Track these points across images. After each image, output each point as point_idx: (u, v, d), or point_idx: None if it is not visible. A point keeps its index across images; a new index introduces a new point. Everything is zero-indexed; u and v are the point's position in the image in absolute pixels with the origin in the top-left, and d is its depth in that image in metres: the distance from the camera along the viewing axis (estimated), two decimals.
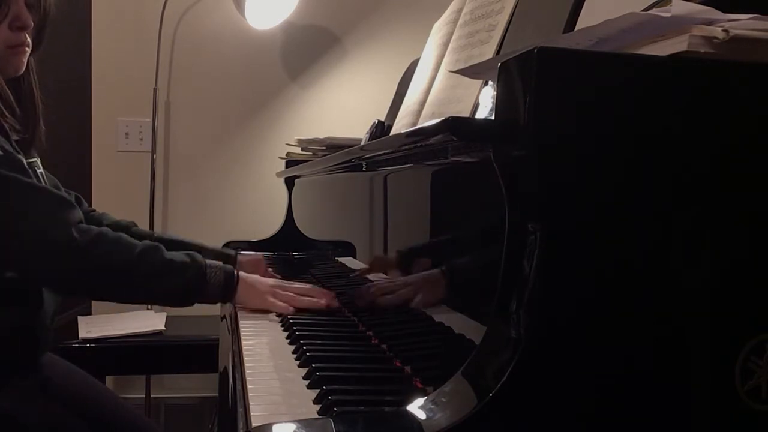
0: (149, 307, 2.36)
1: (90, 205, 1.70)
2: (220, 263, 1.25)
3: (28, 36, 1.25)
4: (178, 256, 1.21)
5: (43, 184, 1.34)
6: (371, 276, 1.19)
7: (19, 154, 1.24)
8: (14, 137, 1.25)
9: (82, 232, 1.14)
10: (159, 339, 2.00)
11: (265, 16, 2.39)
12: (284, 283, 1.32)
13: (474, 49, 1.10)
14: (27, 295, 1.25)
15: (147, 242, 1.20)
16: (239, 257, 1.60)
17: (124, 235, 1.20)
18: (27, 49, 1.26)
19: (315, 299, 1.26)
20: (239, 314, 1.27)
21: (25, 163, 1.23)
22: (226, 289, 1.23)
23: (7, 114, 1.22)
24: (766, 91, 0.62)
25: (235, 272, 1.25)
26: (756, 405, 0.61)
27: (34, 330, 1.28)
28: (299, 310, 1.23)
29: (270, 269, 1.60)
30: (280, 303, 1.25)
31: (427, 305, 0.89)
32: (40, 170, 1.36)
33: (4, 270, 1.20)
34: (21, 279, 1.20)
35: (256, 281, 1.29)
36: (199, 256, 1.23)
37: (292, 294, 1.27)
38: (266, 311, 1.27)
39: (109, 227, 1.56)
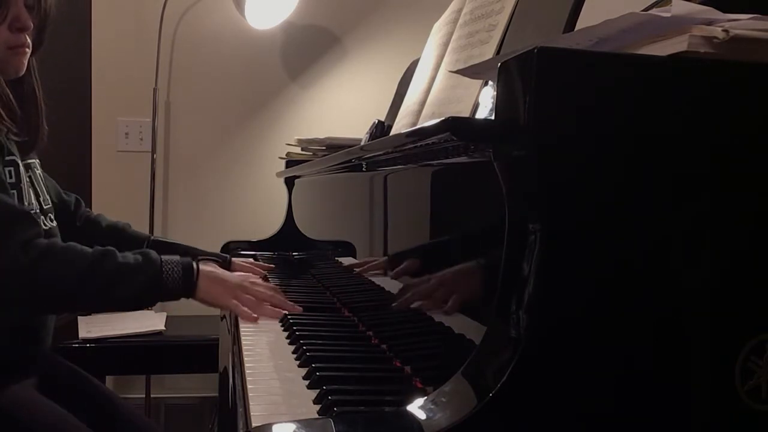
0: (149, 307, 2.36)
1: (90, 206, 1.70)
2: (177, 258, 1.21)
3: (28, 37, 1.25)
4: (130, 258, 1.17)
5: (39, 185, 1.34)
6: (371, 275, 1.19)
7: (13, 155, 1.24)
8: (14, 139, 1.25)
9: (30, 249, 1.10)
10: (159, 339, 2.00)
11: (265, 16, 2.39)
12: (247, 283, 1.26)
13: (474, 49, 1.10)
14: None
15: (98, 249, 1.16)
16: (234, 260, 1.59)
17: (74, 245, 1.16)
18: (27, 50, 1.26)
19: (276, 309, 1.21)
20: None
21: (20, 165, 1.22)
22: (186, 284, 1.19)
23: (5, 117, 1.22)
24: (766, 91, 0.62)
25: (194, 265, 1.21)
26: (756, 405, 0.61)
27: (36, 330, 1.28)
28: (299, 300, 1.23)
29: (266, 273, 1.58)
30: (243, 308, 1.20)
31: (428, 306, 0.89)
32: (39, 171, 1.36)
33: None
34: None
35: (219, 277, 1.24)
36: (154, 254, 1.19)
37: (253, 299, 1.22)
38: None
39: (105, 229, 1.57)
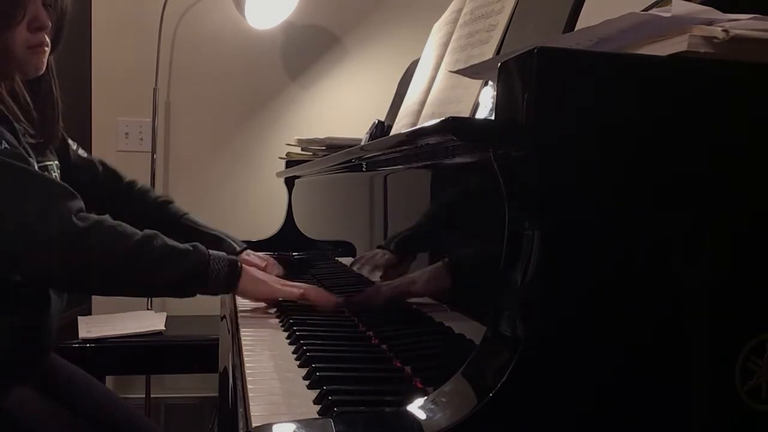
0: (149, 307, 2.36)
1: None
2: (224, 254, 1.23)
3: (46, 36, 1.25)
4: (180, 245, 1.18)
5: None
6: (370, 275, 1.19)
7: (30, 156, 1.24)
8: (29, 140, 1.25)
9: (83, 218, 1.12)
10: (159, 339, 2.00)
11: (265, 16, 2.39)
12: (288, 282, 1.31)
13: (474, 49, 1.09)
14: (35, 296, 1.25)
15: (148, 231, 1.17)
16: (243, 257, 1.58)
17: (123, 224, 1.16)
18: (46, 49, 1.25)
19: (323, 297, 1.25)
20: (239, 314, 1.27)
21: (36, 166, 1.23)
22: (229, 281, 1.20)
23: (22, 119, 1.23)
24: (766, 91, 0.62)
25: (239, 263, 1.23)
26: (756, 405, 0.61)
27: (38, 331, 1.28)
28: (301, 309, 1.24)
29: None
30: (289, 289, 1.25)
31: (428, 304, 0.89)
32: (56, 173, 1.36)
33: (12, 274, 1.19)
34: (22, 276, 1.18)
35: (261, 276, 1.28)
36: (202, 247, 1.20)
37: (292, 290, 1.26)
38: (266, 307, 1.28)
39: (147, 201, 1.60)
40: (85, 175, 1.51)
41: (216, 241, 1.53)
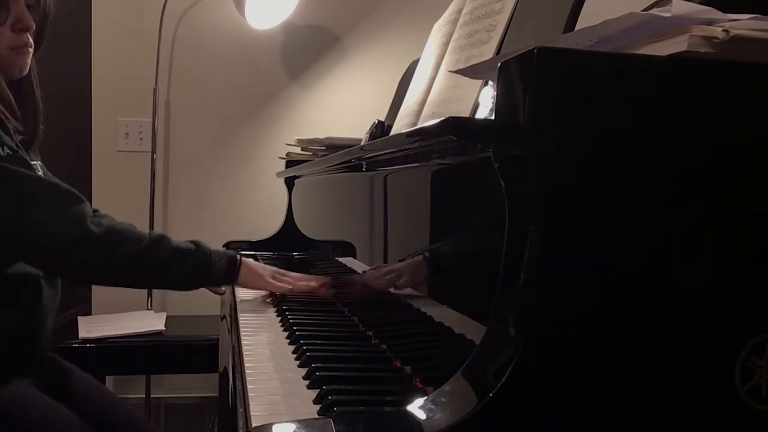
0: (149, 307, 2.36)
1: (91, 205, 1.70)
2: (223, 250, 1.37)
3: (30, 37, 1.25)
4: (183, 244, 1.30)
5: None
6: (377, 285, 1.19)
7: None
8: (18, 138, 1.26)
9: (96, 225, 1.20)
10: (159, 339, 2.00)
11: (265, 16, 2.39)
12: (282, 270, 1.43)
13: (474, 49, 1.09)
14: (25, 294, 1.25)
15: (154, 232, 1.29)
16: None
17: (133, 226, 1.27)
18: (30, 49, 1.27)
19: (312, 284, 1.39)
20: (239, 314, 1.27)
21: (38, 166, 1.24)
22: (229, 273, 1.33)
23: (9, 117, 1.23)
24: (766, 91, 0.62)
25: (238, 257, 1.36)
26: (756, 405, 0.61)
27: (34, 329, 1.28)
28: (298, 300, 1.34)
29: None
30: (280, 284, 1.38)
31: (428, 304, 0.89)
32: (41, 173, 1.36)
33: (6, 266, 1.20)
34: (39, 269, 1.26)
35: (258, 265, 1.40)
36: (204, 244, 1.32)
37: (291, 279, 1.39)
38: (265, 296, 1.40)
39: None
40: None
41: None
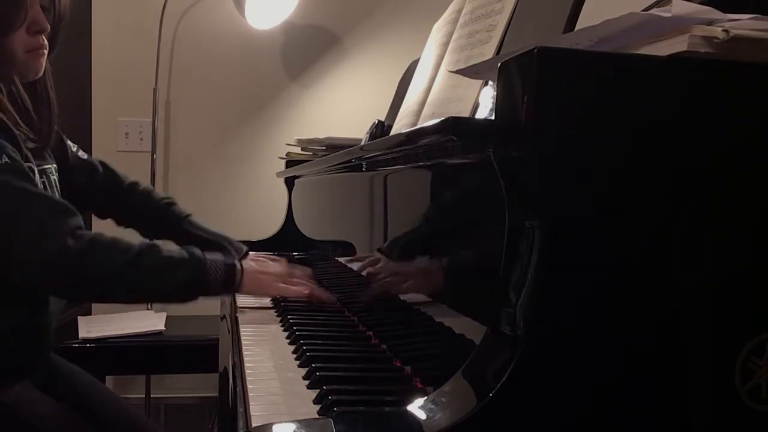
0: (149, 307, 2.36)
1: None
2: (222, 258, 1.23)
3: (44, 39, 1.25)
4: (176, 254, 1.20)
5: (54, 191, 1.34)
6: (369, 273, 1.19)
7: (30, 162, 1.24)
8: (29, 145, 1.25)
9: (77, 239, 1.13)
10: (159, 339, 2.00)
11: (265, 16, 2.39)
12: (296, 271, 1.35)
13: (474, 49, 1.09)
14: (31, 296, 1.25)
15: (144, 242, 1.20)
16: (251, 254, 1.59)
17: (119, 238, 1.18)
18: (45, 51, 1.26)
19: (323, 295, 1.30)
20: (239, 314, 1.27)
21: (36, 171, 1.23)
22: (228, 284, 1.22)
23: (21, 123, 1.23)
24: (766, 91, 0.62)
25: (238, 264, 1.23)
26: (756, 405, 0.61)
27: (37, 330, 1.28)
28: (299, 300, 1.28)
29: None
30: (293, 288, 1.28)
31: (428, 304, 0.89)
32: (54, 176, 1.36)
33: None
34: (22, 286, 1.20)
35: (264, 269, 1.29)
36: (198, 252, 1.21)
37: (299, 282, 1.30)
38: (265, 306, 1.32)
39: (149, 203, 1.57)
40: (82, 177, 1.50)
41: (217, 247, 1.51)
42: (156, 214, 1.58)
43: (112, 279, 1.16)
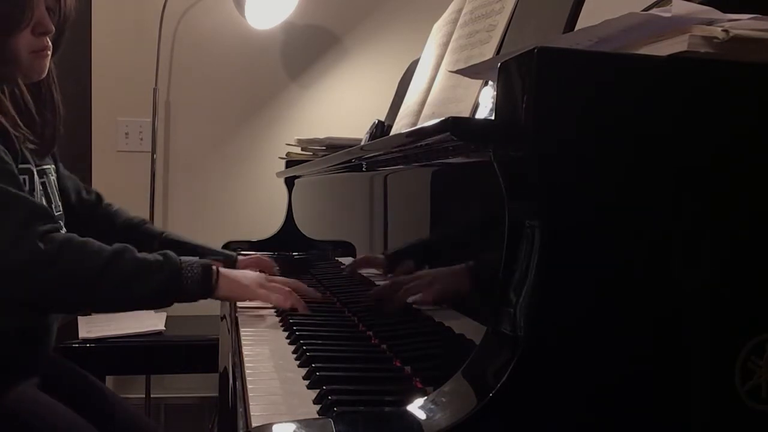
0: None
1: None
2: (196, 259, 1.21)
3: (49, 40, 1.25)
4: (150, 256, 1.17)
5: (54, 191, 1.34)
6: (368, 274, 1.19)
7: (28, 162, 1.24)
8: (30, 146, 1.25)
9: (49, 241, 1.09)
10: (159, 339, 2.00)
11: (265, 16, 2.39)
12: (270, 276, 1.31)
13: (474, 49, 1.09)
14: None
15: (117, 245, 1.15)
16: (239, 258, 1.59)
17: (92, 240, 1.14)
18: (49, 53, 1.26)
19: (299, 304, 1.23)
20: (239, 314, 1.27)
21: (35, 171, 1.22)
22: (204, 285, 1.19)
23: (21, 125, 1.23)
24: (766, 91, 0.62)
25: (214, 267, 1.21)
26: (756, 405, 0.61)
27: (38, 330, 1.28)
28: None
29: (277, 268, 1.59)
30: (273, 295, 1.23)
31: (427, 304, 0.89)
32: (53, 177, 1.36)
33: None
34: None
35: (240, 275, 1.26)
36: (173, 255, 1.19)
37: (279, 287, 1.25)
38: (263, 306, 1.28)
39: (119, 226, 1.56)
40: (70, 184, 1.50)
41: (196, 253, 1.47)
42: (133, 231, 1.57)
43: (87, 282, 1.12)
